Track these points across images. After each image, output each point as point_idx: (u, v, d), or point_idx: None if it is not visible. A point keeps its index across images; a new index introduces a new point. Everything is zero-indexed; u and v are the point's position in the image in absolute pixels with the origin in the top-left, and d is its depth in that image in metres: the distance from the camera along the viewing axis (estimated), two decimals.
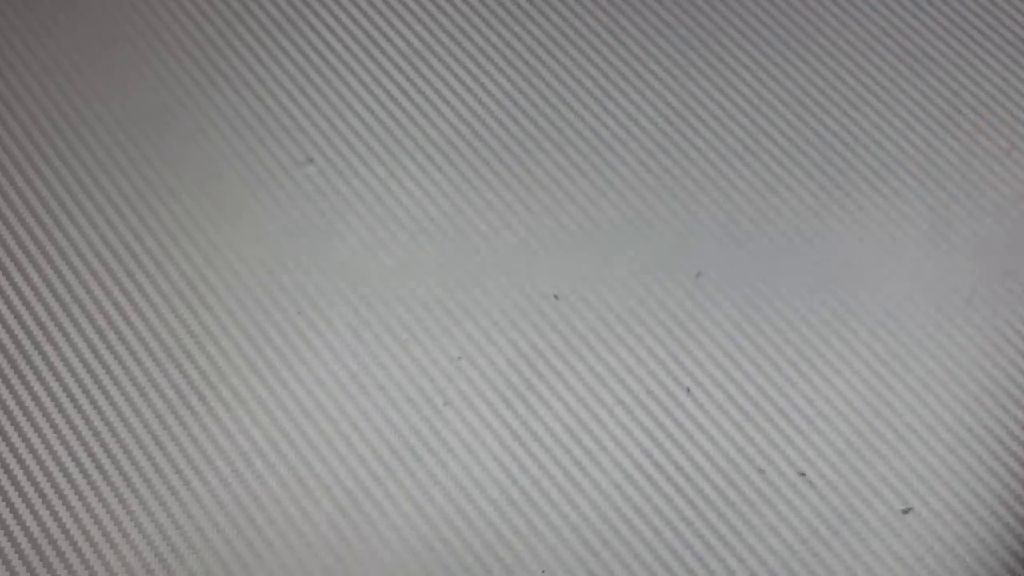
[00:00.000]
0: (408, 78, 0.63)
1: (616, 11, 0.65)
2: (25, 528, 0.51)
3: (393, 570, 0.50)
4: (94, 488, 0.52)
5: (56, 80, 0.63)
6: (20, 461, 0.53)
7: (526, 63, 0.64)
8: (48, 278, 0.57)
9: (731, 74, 0.63)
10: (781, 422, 0.53)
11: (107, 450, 0.53)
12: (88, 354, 0.55)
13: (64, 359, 0.55)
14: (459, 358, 0.55)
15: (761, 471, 0.52)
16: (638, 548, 0.51)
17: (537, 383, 0.55)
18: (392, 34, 0.65)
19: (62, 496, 0.52)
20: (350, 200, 0.59)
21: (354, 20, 0.65)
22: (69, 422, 0.54)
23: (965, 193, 0.59)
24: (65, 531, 0.51)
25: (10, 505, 0.52)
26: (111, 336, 0.56)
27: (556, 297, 0.57)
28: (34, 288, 0.57)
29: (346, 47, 0.64)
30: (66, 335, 0.56)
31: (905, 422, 0.53)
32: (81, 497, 0.52)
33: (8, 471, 0.52)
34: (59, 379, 0.55)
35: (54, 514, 0.51)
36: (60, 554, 0.51)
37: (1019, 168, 0.59)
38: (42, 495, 0.52)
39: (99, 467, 0.53)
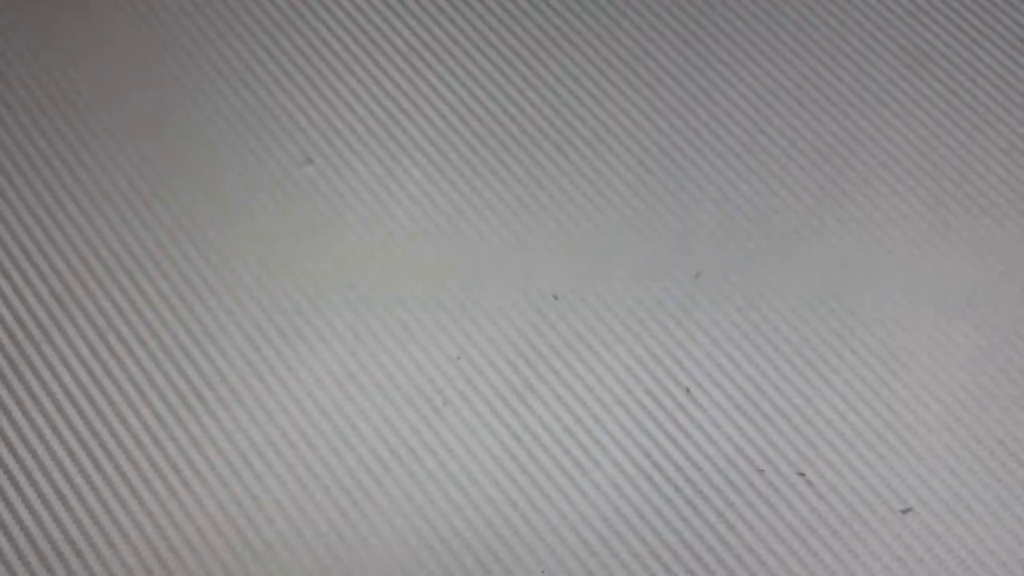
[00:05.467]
0: (408, 78, 0.63)
1: (616, 11, 0.65)
2: (24, 528, 0.51)
3: (392, 570, 0.50)
4: (94, 488, 0.52)
5: (56, 80, 0.63)
6: (19, 461, 0.53)
7: (526, 63, 0.64)
8: (48, 278, 0.57)
9: (730, 74, 0.63)
10: (781, 422, 0.53)
11: (107, 450, 0.53)
12: (88, 354, 0.55)
13: (64, 359, 0.55)
14: (458, 358, 0.55)
15: (761, 471, 0.52)
16: (638, 548, 0.51)
17: (536, 383, 0.54)
18: (392, 34, 0.65)
19: (61, 496, 0.52)
20: (349, 200, 0.59)
21: (353, 20, 0.65)
22: (69, 422, 0.54)
23: (964, 193, 0.59)
24: (64, 531, 0.51)
25: (9, 505, 0.52)
26: (111, 336, 0.56)
27: (555, 297, 0.57)
28: (34, 288, 0.57)
29: (345, 46, 0.64)
30: (66, 335, 0.56)
31: (905, 422, 0.53)
32: (80, 497, 0.52)
33: (7, 471, 0.52)
34: (59, 379, 0.55)
35: (53, 514, 0.51)
36: (59, 554, 0.51)
37: (1018, 168, 0.59)
38: (41, 495, 0.52)
39: (99, 467, 0.53)
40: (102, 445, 0.53)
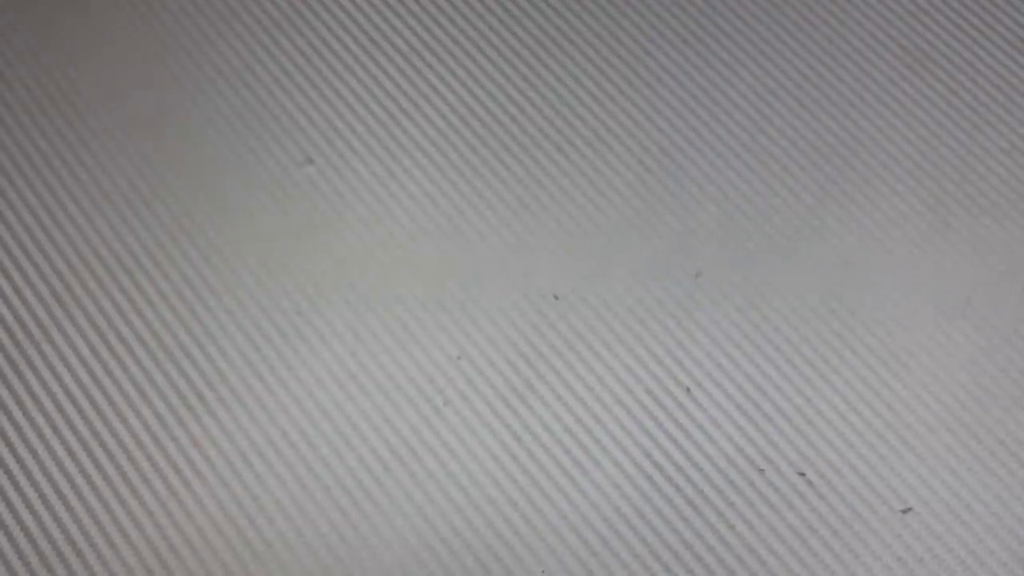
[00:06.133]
0: (408, 78, 0.63)
1: (616, 11, 0.65)
2: (25, 528, 0.51)
3: (392, 570, 0.50)
4: (94, 488, 0.52)
5: (56, 80, 0.63)
6: (20, 461, 0.53)
7: (526, 63, 0.64)
8: (48, 278, 0.57)
9: (730, 74, 0.63)
10: (781, 422, 0.53)
11: (107, 450, 0.53)
12: (88, 354, 0.55)
13: (64, 359, 0.55)
14: (458, 358, 0.55)
15: (761, 471, 0.52)
16: (638, 548, 0.51)
17: (536, 383, 0.54)
18: (392, 34, 0.65)
19: (62, 496, 0.52)
20: (349, 200, 0.59)
21: (353, 19, 0.65)
22: (69, 422, 0.54)
23: (964, 193, 0.59)
24: (65, 531, 0.51)
25: (9, 505, 0.52)
26: (111, 336, 0.56)
27: (556, 297, 0.57)
28: (34, 288, 0.57)
29: (345, 47, 0.64)
30: (66, 335, 0.56)
31: (905, 422, 0.53)
32: (81, 497, 0.52)
33: (7, 471, 0.52)
34: (59, 379, 0.55)
35: (54, 514, 0.51)
36: (60, 554, 0.51)
37: (1018, 168, 0.59)
38: (41, 495, 0.52)
39: (99, 467, 0.53)
40: (102, 445, 0.53)
